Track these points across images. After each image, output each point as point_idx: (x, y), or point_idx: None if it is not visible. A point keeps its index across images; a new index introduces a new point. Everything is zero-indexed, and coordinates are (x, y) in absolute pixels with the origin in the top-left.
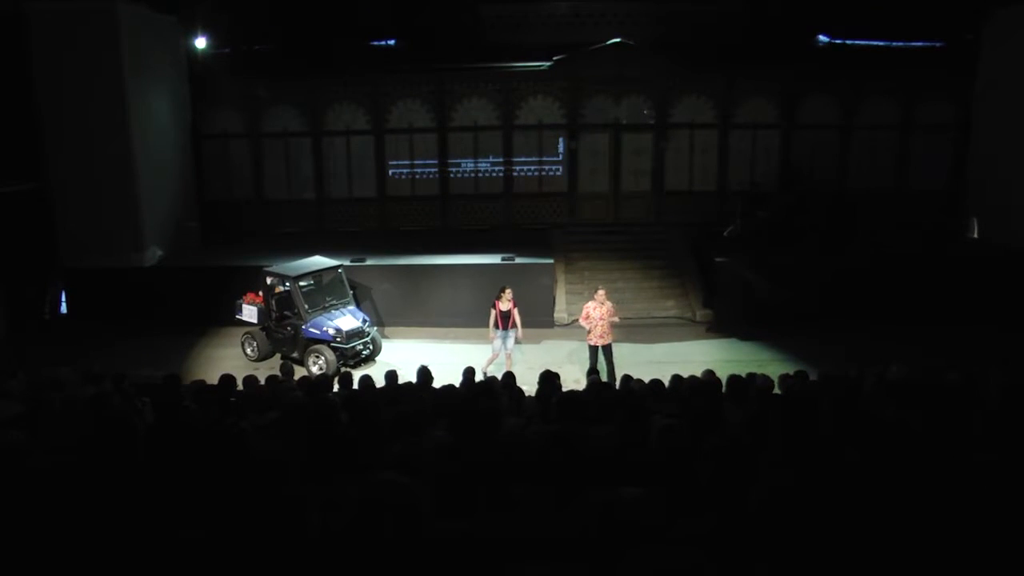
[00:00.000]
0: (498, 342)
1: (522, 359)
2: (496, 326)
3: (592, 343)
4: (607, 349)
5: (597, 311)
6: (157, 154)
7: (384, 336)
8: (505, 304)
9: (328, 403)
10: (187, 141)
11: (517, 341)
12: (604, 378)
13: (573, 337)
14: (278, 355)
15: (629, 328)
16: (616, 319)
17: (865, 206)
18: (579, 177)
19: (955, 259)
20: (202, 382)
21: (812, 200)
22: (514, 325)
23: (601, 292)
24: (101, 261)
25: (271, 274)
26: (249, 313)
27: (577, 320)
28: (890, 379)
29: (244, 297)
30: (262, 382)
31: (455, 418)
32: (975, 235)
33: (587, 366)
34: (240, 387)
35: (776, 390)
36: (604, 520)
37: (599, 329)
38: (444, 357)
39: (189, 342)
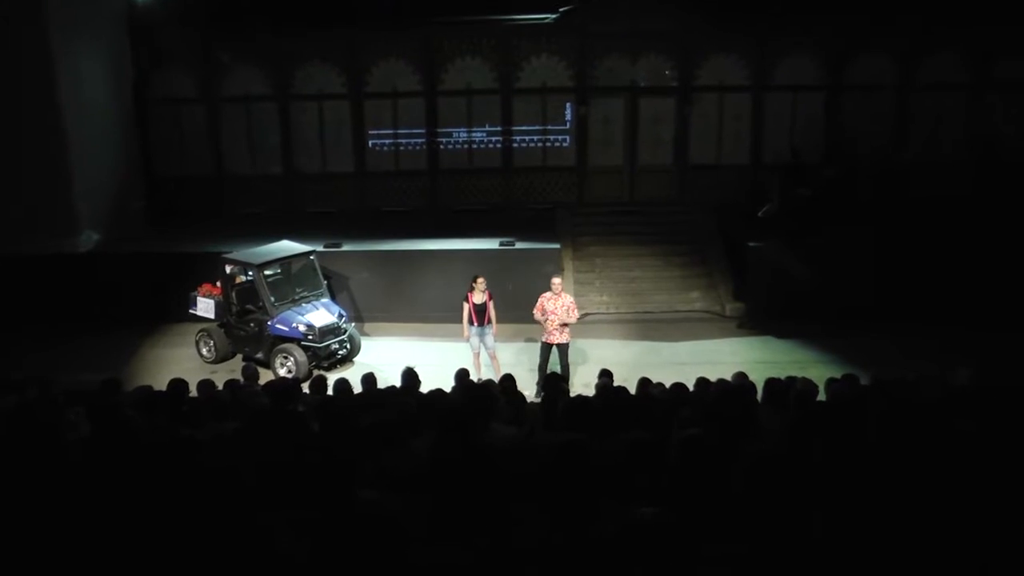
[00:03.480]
0: (475, 340)
1: (521, 360)
2: (471, 322)
3: (544, 340)
4: (561, 348)
5: (552, 303)
6: (92, 122)
7: (363, 333)
8: (479, 296)
9: (298, 411)
10: (129, 107)
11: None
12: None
13: (581, 334)
14: (239, 356)
15: (647, 324)
16: (573, 319)
17: (924, 181)
18: (589, 149)
19: None
20: (148, 388)
21: (862, 175)
22: (490, 320)
23: (557, 281)
24: (26, 247)
25: (231, 261)
26: (205, 307)
27: (588, 314)
28: (957, 386)
29: (199, 288)
30: (220, 387)
31: (445, 426)
32: None
33: (603, 367)
34: (194, 393)
35: (820, 396)
36: (618, 545)
37: (552, 325)
38: (433, 357)
39: (133, 342)
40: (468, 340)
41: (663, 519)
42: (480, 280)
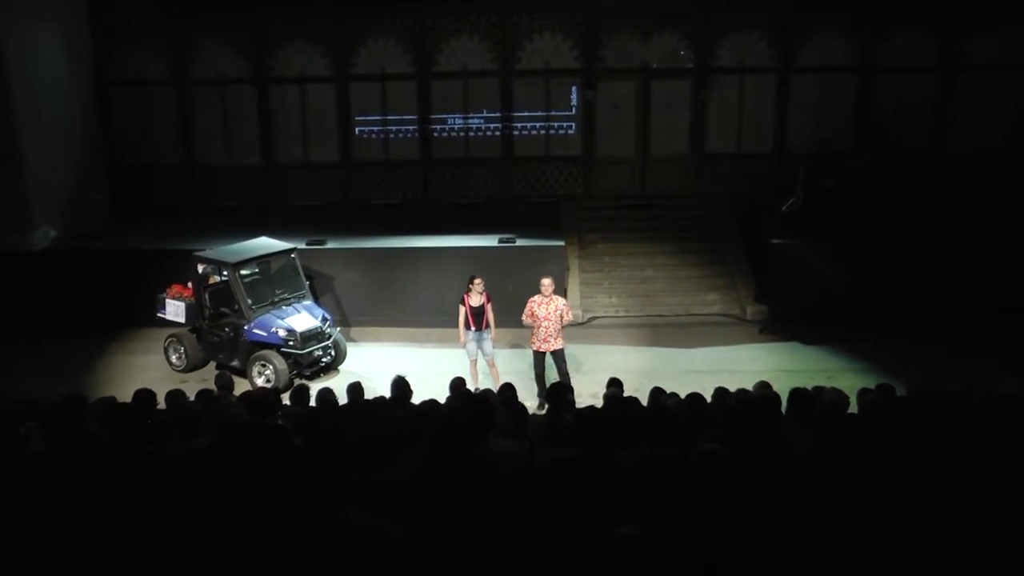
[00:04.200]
0: (472, 346)
1: (521, 369)
2: (467, 326)
3: (536, 348)
4: (557, 355)
5: (543, 308)
6: (48, 106)
7: (349, 339)
8: (476, 298)
9: (278, 424)
10: (89, 89)
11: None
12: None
13: (588, 339)
14: (212, 364)
15: (660, 328)
16: (569, 318)
17: (967, 173)
18: (597, 137)
19: None
20: (111, 399)
21: (898, 165)
22: (488, 325)
23: (547, 282)
24: None
25: (204, 260)
26: (175, 310)
27: (595, 317)
28: (1005, 396)
29: (168, 290)
30: (191, 398)
31: (439, 441)
32: None
33: (612, 375)
34: (162, 405)
35: (852, 409)
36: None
37: (544, 332)
38: (426, 365)
39: (94, 348)
40: (464, 346)
41: (644, 539)
42: (478, 281)
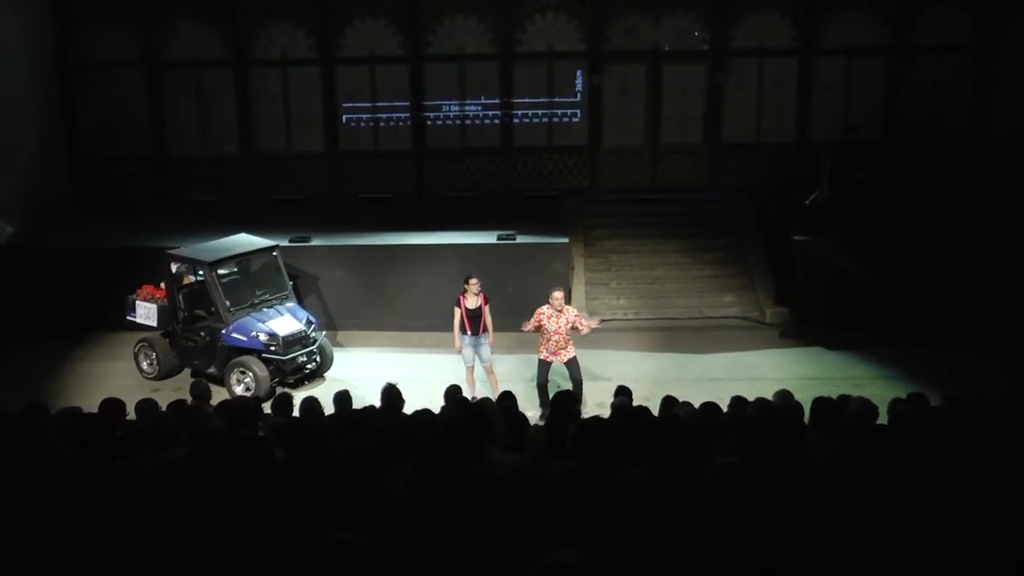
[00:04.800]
0: (468, 352)
1: (522, 375)
2: (463, 330)
3: (543, 358)
4: (570, 364)
5: (553, 322)
6: (3, 91)
7: (336, 344)
8: (473, 300)
9: (258, 436)
10: (50, 71)
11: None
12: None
13: (594, 344)
14: (187, 371)
15: (673, 332)
16: (585, 329)
17: (1010, 163)
18: (604, 125)
19: None
20: (75, 410)
21: (931, 155)
22: (485, 329)
23: (558, 295)
24: None
25: (177, 259)
26: (146, 313)
27: (601, 320)
28: None
29: (139, 291)
30: (164, 408)
31: (433, 454)
32: None
33: (620, 383)
34: (132, 416)
35: (882, 419)
36: None
37: (554, 345)
38: (419, 372)
39: (57, 354)
40: (460, 352)
41: (589, 566)
42: (474, 281)
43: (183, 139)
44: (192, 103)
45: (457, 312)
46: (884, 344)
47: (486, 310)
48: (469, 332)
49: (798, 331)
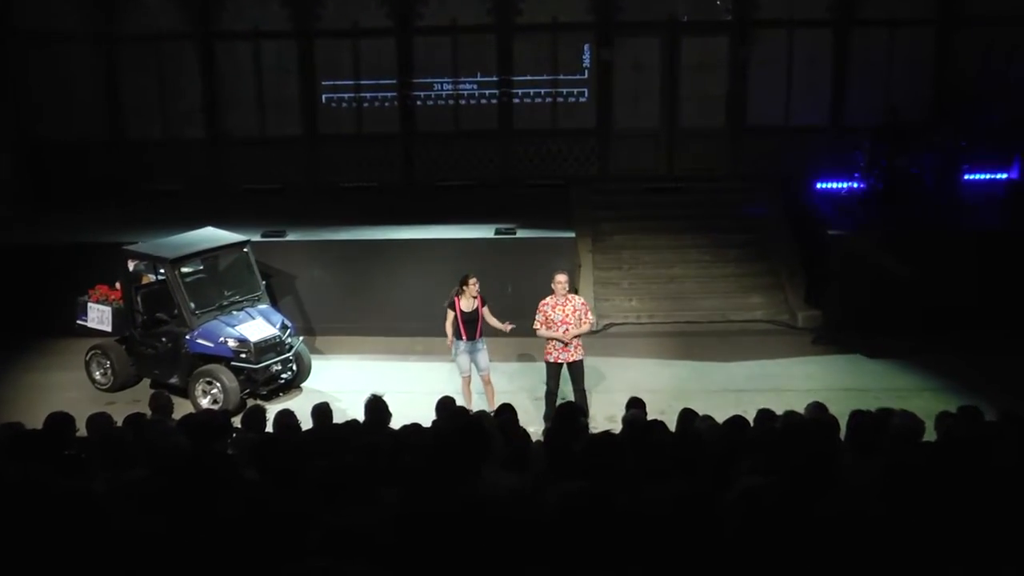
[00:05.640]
0: (464, 359)
1: (522, 386)
2: (458, 335)
3: (552, 359)
4: (575, 368)
5: (559, 311)
6: None
7: (315, 350)
8: (469, 302)
9: (227, 454)
10: None
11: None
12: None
13: (604, 351)
14: (146, 381)
15: (692, 338)
16: (587, 326)
17: None
18: (615, 106)
19: None
20: (17, 426)
21: (984, 141)
22: (482, 333)
23: (562, 278)
24: None
25: (135, 255)
26: (99, 317)
27: (612, 324)
28: None
29: (92, 292)
30: (120, 423)
31: (423, 473)
32: None
33: (633, 395)
34: (83, 432)
35: (929, 436)
36: None
37: (566, 337)
38: (408, 382)
39: None
40: (455, 359)
41: None
42: (473, 281)
43: (142, 121)
44: (152, 81)
45: (451, 315)
46: (931, 352)
47: (485, 312)
48: (465, 338)
49: (833, 336)
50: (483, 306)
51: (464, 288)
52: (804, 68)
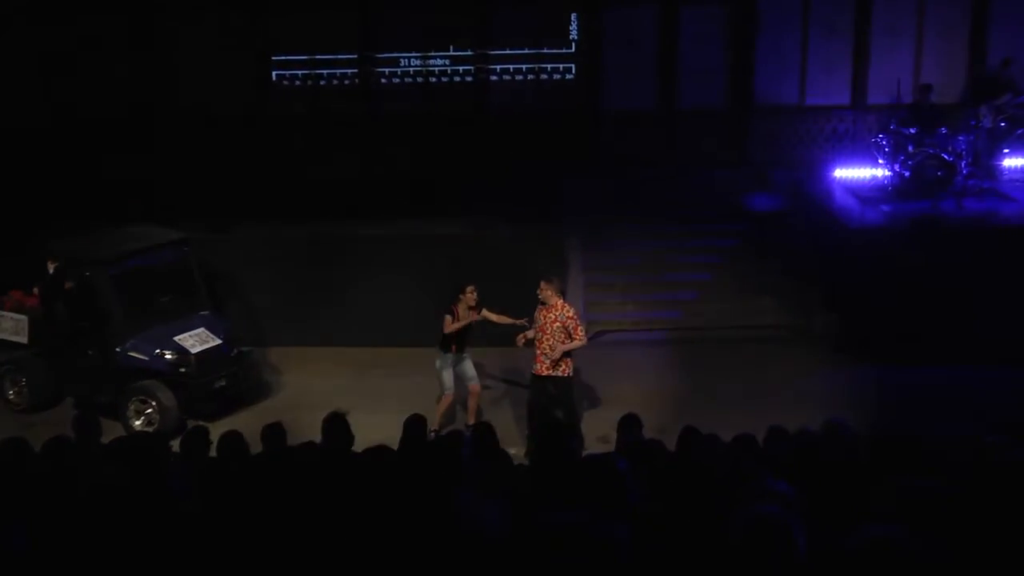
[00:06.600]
0: (448, 374)
1: (501, 403)
2: (446, 348)
3: (535, 371)
4: (561, 385)
5: (540, 316)
6: None
7: (266, 363)
8: (466, 313)
9: (165, 484)
10: None
11: None
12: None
13: (595, 362)
14: (69, 400)
15: (694, 346)
16: (578, 340)
17: None
18: (605, 84)
19: None
20: None
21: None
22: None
23: (546, 284)
24: None
25: (57, 255)
26: (13, 327)
27: (604, 332)
28: None
29: (4, 299)
30: (38, 449)
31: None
32: None
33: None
34: None
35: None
36: None
37: (546, 345)
38: (372, 399)
39: None
40: (439, 374)
41: None
42: (471, 290)
43: (64, 100)
44: (75, 54)
45: (449, 323)
46: (966, 362)
47: (492, 316)
48: (454, 350)
49: (853, 344)
50: (481, 314)
51: (461, 298)
52: (820, 41)
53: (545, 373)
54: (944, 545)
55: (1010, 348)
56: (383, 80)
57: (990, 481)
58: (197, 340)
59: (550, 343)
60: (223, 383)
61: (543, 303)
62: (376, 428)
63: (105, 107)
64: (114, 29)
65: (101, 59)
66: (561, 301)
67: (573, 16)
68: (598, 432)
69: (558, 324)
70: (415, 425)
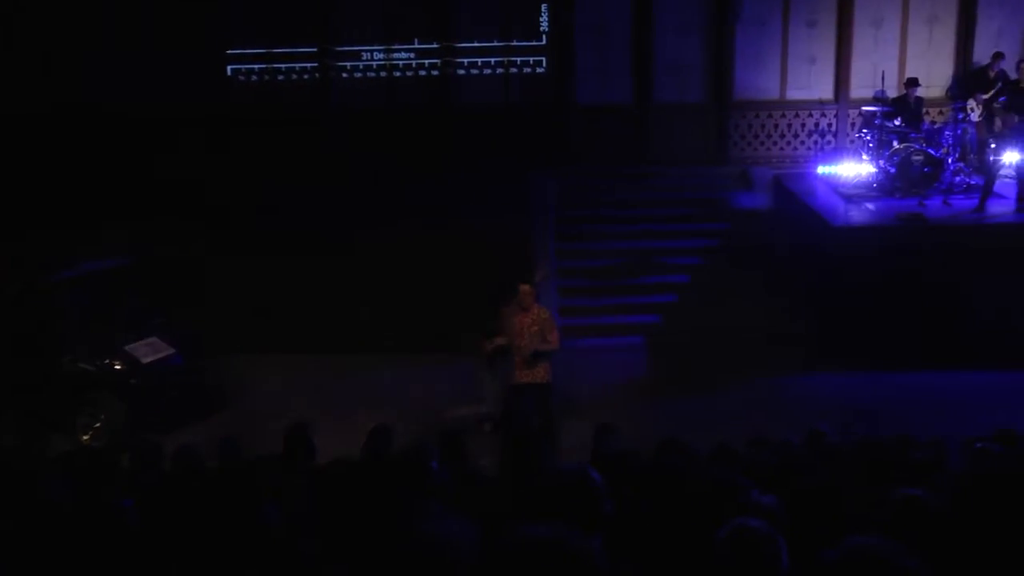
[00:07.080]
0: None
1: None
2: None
3: (515, 380)
4: (539, 392)
5: (518, 320)
6: None
7: (224, 371)
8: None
9: (113, 502)
10: None
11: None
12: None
13: (571, 371)
14: (11, 412)
15: (674, 351)
16: (553, 344)
17: None
18: (578, 76)
19: None
20: None
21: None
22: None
23: (527, 288)
24: None
25: (1, 261)
26: None
27: (578, 336)
28: None
29: None
30: None
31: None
32: None
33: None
34: None
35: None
36: None
37: (526, 350)
38: (336, 408)
39: None
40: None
41: None
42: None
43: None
44: (12, 45)
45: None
46: (952, 367)
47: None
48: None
49: (839, 349)
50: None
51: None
52: (802, 29)
53: (525, 381)
54: (928, 557)
55: (999, 352)
56: (343, 74)
57: (976, 490)
58: (149, 349)
59: (529, 347)
60: (176, 393)
61: (521, 307)
62: (340, 439)
63: (41, 101)
64: (49, 14)
65: (35, 51)
66: (536, 304)
67: (543, 7)
68: (572, 441)
69: (536, 328)
70: (379, 436)
